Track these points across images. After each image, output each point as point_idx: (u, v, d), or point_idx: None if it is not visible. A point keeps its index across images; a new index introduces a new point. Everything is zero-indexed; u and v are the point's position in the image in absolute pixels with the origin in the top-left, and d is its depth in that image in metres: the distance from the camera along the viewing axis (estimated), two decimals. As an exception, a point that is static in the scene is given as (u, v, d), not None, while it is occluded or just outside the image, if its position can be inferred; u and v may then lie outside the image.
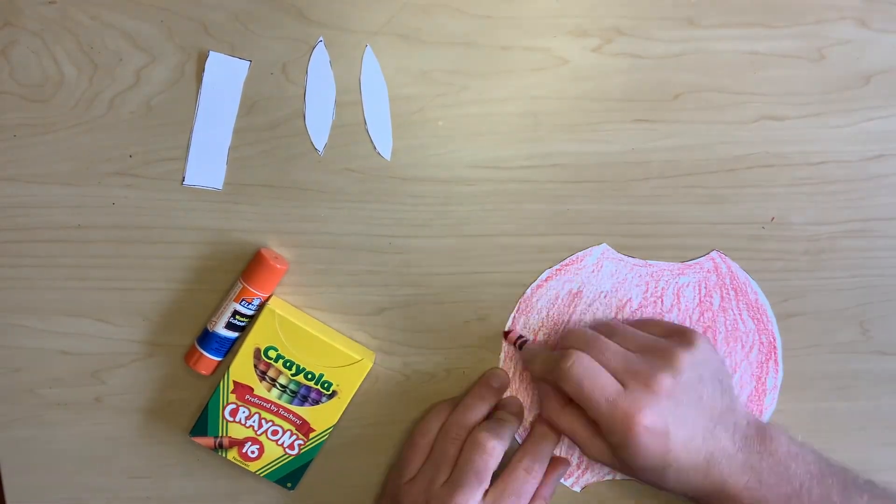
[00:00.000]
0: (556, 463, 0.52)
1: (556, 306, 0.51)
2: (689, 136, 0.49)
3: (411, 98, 0.48)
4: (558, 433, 0.50)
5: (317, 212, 0.49)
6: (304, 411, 0.50)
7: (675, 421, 0.44)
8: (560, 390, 0.47)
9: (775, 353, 0.52)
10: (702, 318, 0.51)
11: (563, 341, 0.49)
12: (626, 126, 0.49)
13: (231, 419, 0.50)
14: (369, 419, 0.52)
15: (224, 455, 0.50)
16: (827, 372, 0.53)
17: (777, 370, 0.52)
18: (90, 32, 0.46)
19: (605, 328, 0.49)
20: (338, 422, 0.51)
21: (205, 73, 0.47)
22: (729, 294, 0.51)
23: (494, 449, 0.48)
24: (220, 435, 0.50)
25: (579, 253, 0.50)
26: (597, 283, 0.51)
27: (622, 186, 0.50)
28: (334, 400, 0.50)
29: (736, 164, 0.50)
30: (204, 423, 0.50)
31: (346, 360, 0.49)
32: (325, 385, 0.49)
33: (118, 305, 0.50)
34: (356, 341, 0.51)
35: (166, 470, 0.53)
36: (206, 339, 0.49)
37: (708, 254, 0.51)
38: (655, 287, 0.51)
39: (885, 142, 0.50)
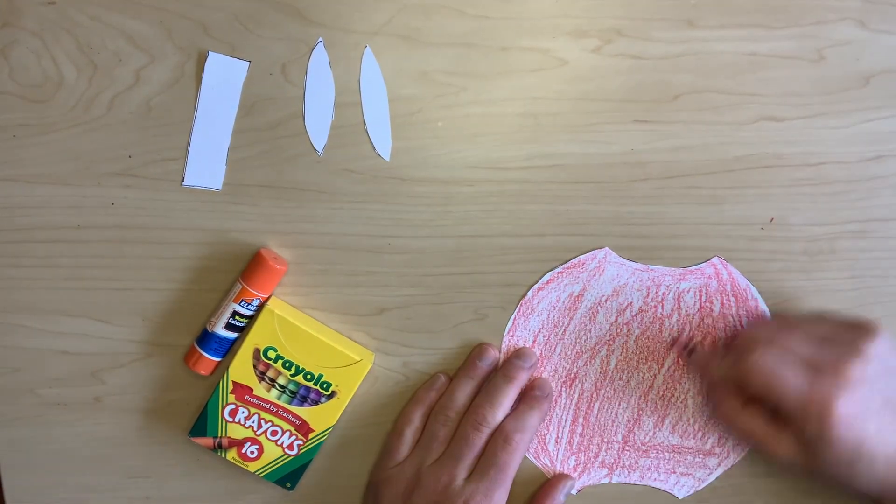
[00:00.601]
0: (559, 479, 0.52)
1: (556, 309, 0.51)
2: (688, 136, 0.49)
3: (411, 99, 0.48)
4: (543, 411, 0.50)
5: (316, 212, 0.49)
6: (304, 412, 0.50)
7: (867, 410, 0.43)
8: (737, 391, 0.47)
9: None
10: (702, 323, 0.51)
11: (742, 338, 0.48)
12: (626, 127, 0.49)
13: (230, 419, 0.50)
14: (369, 419, 0.52)
15: (223, 455, 0.50)
16: (826, 372, 0.53)
17: None
18: (90, 33, 0.46)
19: (782, 321, 0.48)
20: (337, 422, 0.51)
21: (204, 74, 0.47)
22: (729, 300, 0.51)
23: (493, 423, 0.49)
24: (220, 435, 0.50)
25: (581, 256, 0.50)
26: (598, 286, 0.51)
27: (621, 187, 0.50)
28: (333, 400, 0.50)
29: (735, 164, 0.50)
30: (203, 423, 0.50)
31: (346, 361, 0.49)
32: (325, 385, 0.49)
33: (118, 305, 0.50)
34: (355, 342, 0.51)
35: (166, 470, 0.53)
36: (206, 339, 0.49)
37: (709, 260, 0.51)
38: (656, 292, 0.51)
39: (884, 143, 0.50)
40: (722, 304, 0.51)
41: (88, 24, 0.46)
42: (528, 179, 0.49)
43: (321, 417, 0.50)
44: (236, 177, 0.49)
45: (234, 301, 0.48)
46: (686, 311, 0.51)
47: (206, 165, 0.48)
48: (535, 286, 0.51)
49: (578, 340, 0.52)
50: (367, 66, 0.47)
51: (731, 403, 0.48)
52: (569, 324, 0.51)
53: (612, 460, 0.53)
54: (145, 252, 0.49)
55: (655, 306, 0.51)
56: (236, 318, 0.49)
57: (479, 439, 0.49)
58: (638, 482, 0.53)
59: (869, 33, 0.48)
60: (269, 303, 0.49)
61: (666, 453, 0.53)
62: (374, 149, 0.49)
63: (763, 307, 0.51)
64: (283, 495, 0.53)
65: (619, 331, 0.51)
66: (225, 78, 0.47)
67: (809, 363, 0.44)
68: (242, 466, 0.51)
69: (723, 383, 0.48)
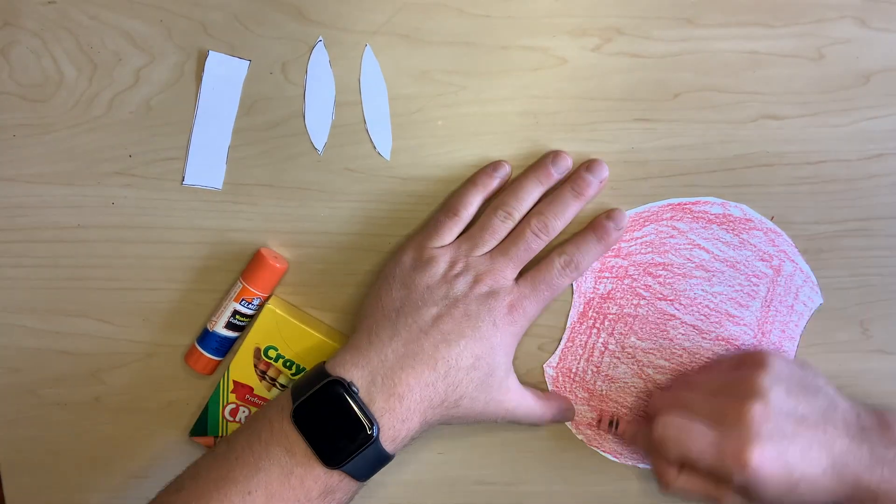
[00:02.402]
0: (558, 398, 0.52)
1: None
2: (688, 135, 0.49)
3: (411, 98, 0.48)
4: (608, 245, 0.49)
5: (316, 211, 0.49)
6: (304, 411, 0.50)
7: (783, 441, 0.44)
8: (669, 463, 0.48)
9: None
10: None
11: (650, 409, 0.50)
12: (626, 125, 0.49)
13: (231, 419, 0.50)
14: (369, 419, 0.52)
15: (224, 455, 0.50)
16: (827, 371, 0.53)
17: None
18: (90, 32, 0.46)
19: (682, 381, 0.50)
20: (338, 421, 0.51)
21: (204, 73, 0.47)
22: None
23: (553, 232, 0.48)
24: (221, 435, 0.50)
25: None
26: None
27: (622, 186, 0.50)
28: (334, 400, 0.50)
29: (735, 163, 0.49)
30: (204, 422, 0.50)
31: (346, 360, 0.49)
32: (325, 385, 0.49)
33: (118, 305, 0.50)
34: (356, 341, 0.51)
35: (166, 470, 0.52)
36: (206, 338, 0.49)
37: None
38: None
39: (884, 141, 0.49)
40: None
41: (88, 23, 0.46)
42: (528, 178, 0.49)
43: (322, 417, 0.50)
44: (236, 176, 0.49)
45: (235, 300, 0.48)
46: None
47: (207, 165, 0.48)
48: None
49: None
50: (367, 65, 0.47)
51: (668, 471, 0.48)
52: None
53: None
54: (145, 251, 0.49)
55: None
56: (237, 317, 0.49)
57: (538, 245, 0.48)
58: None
59: (869, 32, 0.48)
60: (269, 302, 0.49)
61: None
62: (374, 148, 0.49)
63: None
64: (283, 495, 0.53)
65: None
66: (225, 77, 0.47)
67: (713, 417, 0.45)
68: (243, 466, 0.51)
69: (654, 454, 0.49)
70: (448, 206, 0.49)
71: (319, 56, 0.47)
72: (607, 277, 0.50)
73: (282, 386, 0.49)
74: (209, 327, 0.49)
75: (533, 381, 0.52)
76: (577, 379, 0.52)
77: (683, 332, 0.51)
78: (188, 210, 0.49)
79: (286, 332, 0.48)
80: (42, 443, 0.52)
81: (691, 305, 0.51)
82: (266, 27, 0.47)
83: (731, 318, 0.51)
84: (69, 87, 0.47)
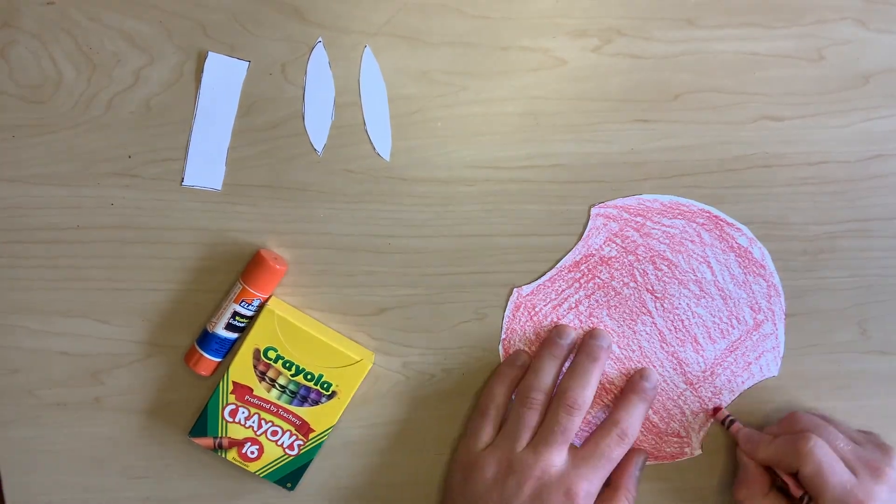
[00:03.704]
0: (632, 453, 0.52)
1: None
2: (688, 136, 0.49)
3: (410, 98, 0.48)
4: (650, 401, 0.50)
5: (316, 212, 0.49)
6: (304, 412, 0.50)
7: None
8: (764, 479, 0.49)
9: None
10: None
11: (792, 425, 0.50)
12: (626, 126, 0.49)
13: (230, 420, 0.50)
14: (369, 419, 0.52)
15: (224, 455, 0.50)
16: (826, 372, 0.53)
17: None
18: (89, 33, 0.46)
19: (817, 418, 0.51)
20: (337, 422, 0.51)
21: (204, 74, 0.47)
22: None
23: (584, 405, 0.48)
24: (220, 435, 0.50)
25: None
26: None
27: (621, 187, 0.50)
28: (334, 400, 0.50)
29: (735, 164, 0.50)
30: (203, 423, 0.50)
31: (346, 361, 0.49)
32: (325, 385, 0.49)
33: (117, 306, 0.50)
34: (355, 342, 0.51)
35: (166, 471, 0.53)
36: (206, 339, 0.49)
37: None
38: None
39: (884, 142, 0.50)
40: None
41: (87, 24, 0.46)
42: (527, 179, 0.49)
43: (321, 417, 0.50)
44: (236, 177, 0.49)
45: (235, 301, 0.48)
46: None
47: (206, 165, 0.48)
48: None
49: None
50: (366, 65, 0.47)
51: (755, 487, 0.49)
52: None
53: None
54: (145, 252, 0.49)
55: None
56: (236, 318, 0.49)
57: (573, 424, 0.48)
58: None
59: (869, 33, 0.48)
60: (269, 303, 0.49)
61: (727, 359, 0.52)
62: (373, 149, 0.49)
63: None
64: (283, 495, 0.53)
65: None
66: (224, 78, 0.47)
67: (855, 461, 0.47)
68: (243, 467, 0.51)
69: (758, 466, 0.50)
70: (479, 407, 0.51)
71: (319, 57, 0.47)
72: (617, 244, 0.50)
73: (281, 387, 0.49)
74: (209, 328, 0.49)
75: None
76: (534, 319, 0.51)
77: (649, 332, 0.51)
78: (187, 211, 0.49)
79: (286, 333, 0.48)
80: (42, 443, 0.52)
81: (670, 312, 0.51)
82: (265, 28, 0.47)
83: (694, 344, 0.52)
84: (68, 87, 0.47)
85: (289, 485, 0.51)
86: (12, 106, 0.47)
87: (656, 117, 0.49)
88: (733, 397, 0.52)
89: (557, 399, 0.49)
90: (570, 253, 0.51)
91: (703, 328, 0.52)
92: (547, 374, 0.50)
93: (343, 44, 0.47)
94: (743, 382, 0.52)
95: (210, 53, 0.47)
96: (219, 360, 0.50)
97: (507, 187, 0.49)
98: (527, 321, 0.51)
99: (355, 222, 0.50)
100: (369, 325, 0.51)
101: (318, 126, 0.48)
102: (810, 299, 0.52)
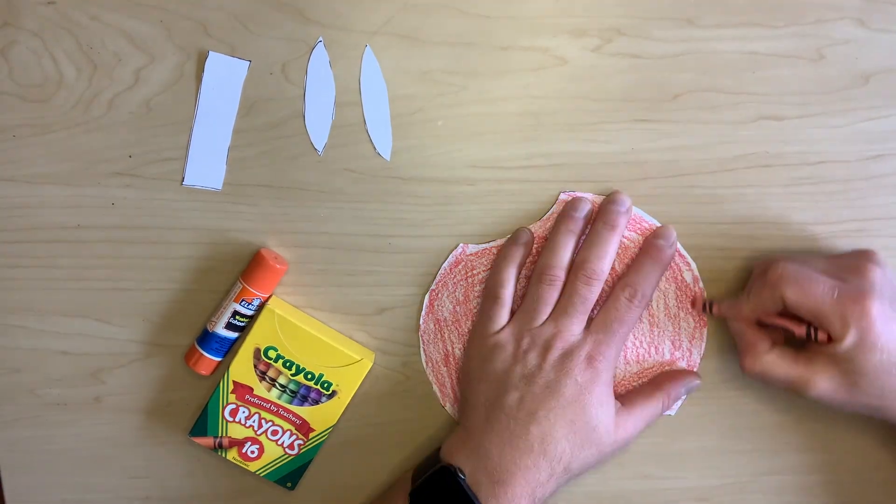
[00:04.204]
0: (687, 373, 0.51)
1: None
2: (688, 135, 0.49)
3: (411, 98, 0.48)
4: (665, 263, 0.49)
5: (316, 212, 0.49)
6: (304, 411, 0.50)
7: (891, 315, 0.43)
8: (762, 335, 0.47)
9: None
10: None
11: (760, 267, 0.48)
12: (626, 126, 0.49)
13: (231, 419, 0.50)
14: (369, 419, 0.52)
15: (224, 455, 0.50)
16: (826, 371, 0.53)
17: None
18: (89, 33, 0.46)
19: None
20: (338, 422, 0.51)
21: (204, 74, 0.47)
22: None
23: (603, 274, 0.47)
24: (220, 435, 0.50)
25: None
26: None
27: (621, 186, 0.50)
28: (334, 400, 0.50)
29: (735, 163, 0.50)
30: (204, 423, 0.50)
31: (346, 360, 0.49)
32: (325, 385, 0.49)
33: (118, 305, 0.50)
34: (356, 341, 0.51)
35: (166, 470, 0.53)
36: (206, 339, 0.49)
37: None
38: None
39: (884, 142, 0.50)
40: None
41: (88, 23, 0.46)
42: (528, 178, 0.49)
43: (322, 417, 0.50)
44: (236, 176, 0.49)
45: (235, 301, 0.48)
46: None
47: (207, 165, 0.48)
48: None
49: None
50: (367, 65, 0.47)
51: (759, 348, 0.47)
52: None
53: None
54: (145, 252, 0.49)
55: None
56: (237, 317, 0.49)
57: (592, 294, 0.47)
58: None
59: (869, 32, 0.48)
60: (269, 302, 0.49)
61: (633, 382, 0.52)
62: (374, 148, 0.49)
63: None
64: (284, 495, 0.53)
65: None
66: (225, 78, 0.47)
67: (832, 272, 0.45)
68: (243, 466, 0.51)
69: (752, 327, 0.48)
70: (487, 291, 0.49)
71: (319, 56, 0.47)
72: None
73: (281, 386, 0.49)
74: (209, 328, 0.49)
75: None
76: (468, 280, 0.50)
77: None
78: (188, 210, 0.49)
79: (286, 332, 0.49)
80: (42, 443, 0.52)
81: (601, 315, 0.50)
82: (266, 28, 0.47)
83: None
84: (69, 87, 0.47)
85: (289, 484, 0.51)
86: (13, 105, 0.47)
87: (656, 117, 0.49)
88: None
89: (575, 271, 0.48)
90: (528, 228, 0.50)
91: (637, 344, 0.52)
92: (564, 250, 0.48)
93: (344, 43, 0.47)
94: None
95: (211, 53, 0.47)
96: (219, 359, 0.50)
97: (507, 187, 0.50)
98: (461, 280, 0.51)
99: (356, 222, 0.50)
100: (370, 324, 0.51)
101: (319, 126, 0.48)
102: (810, 299, 0.52)
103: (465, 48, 0.47)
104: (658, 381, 0.51)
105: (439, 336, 0.51)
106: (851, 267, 0.45)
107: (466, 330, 0.51)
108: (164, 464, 0.53)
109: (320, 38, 0.47)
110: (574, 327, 0.47)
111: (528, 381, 0.46)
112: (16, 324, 0.50)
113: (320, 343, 0.49)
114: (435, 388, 0.52)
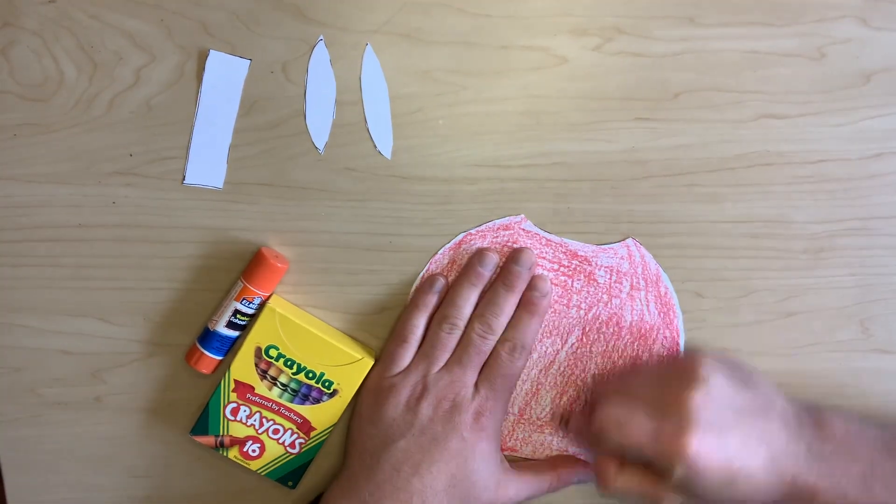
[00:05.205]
0: (581, 465, 0.52)
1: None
2: (689, 134, 0.49)
3: (412, 97, 0.48)
4: (541, 313, 0.50)
5: (317, 211, 0.49)
6: (305, 410, 0.50)
7: (722, 431, 0.43)
8: (611, 458, 0.47)
9: (677, 349, 0.52)
10: (610, 303, 0.51)
11: (591, 399, 0.50)
12: (626, 125, 0.49)
13: (232, 418, 0.50)
14: (370, 418, 0.52)
15: (225, 454, 0.50)
16: (827, 370, 0.53)
17: None
18: (90, 32, 0.46)
19: (629, 370, 0.51)
20: (339, 420, 0.51)
21: (205, 73, 0.47)
22: (639, 283, 0.51)
23: (498, 330, 0.49)
24: (221, 434, 0.50)
25: (497, 221, 0.50)
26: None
27: (622, 185, 0.50)
28: (335, 399, 0.50)
29: (736, 162, 0.50)
30: (205, 422, 0.50)
31: (347, 359, 0.49)
32: (326, 384, 0.49)
33: (119, 305, 0.50)
34: (357, 340, 0.51)
35: (167, 469, 0.53)
36: (207, 338, 0.49)
37: (623, 240, 0.50)
38: (568, 266, 0.51)
39: (885, 140, 0.50)
40: (632, 286, 0.51)
41: (89, 23, 0.46)
42: (528, 178, 0.49)
43: (323, 416, 0.50)
44: (237, 175, 0.49)
45: (236, 299, 0.48)
46: (595, 289, 0.51)
47: (207, 164, 0.48)
48: (447, 245, 0.50)
49: None
50: (368, 64, 0.47)
51: (608, 468, 0.47)
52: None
53: (506, 432, 0.52)
54: (146, 251, 0.49)
55: (565, 281, 0.51)
56: (238, 316, 0.49)
57: (486, 347, 0.49)
58: (529, 456, 0.53)
59: (870, 31, 0.48)
60: (270, 301, 0.49)
61: (560, 432, 0.52)
62: (375, 147, 0.49)
63: (673, 296, 0.51)
64: (285, 494, 0.53)
65: None
66: (226, 77, 0.47)
67: (654, 406, 0.45)
68: (244, 465, 0.51)
69: (594, 448, 0.49)
70: (396, 333, 0.50)
71: (320, 55, 0.47)
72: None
73: (283, 385, 0.49)
74: (210, 326, 0.49)
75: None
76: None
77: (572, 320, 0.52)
78: (189, 209, 0.49)
79: (287, 331, 0.49)
80: (42, 442, 0.52)
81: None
82: (267, 27, 0.47)
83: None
84: (69, 86, 0.47)
85: (290, 483, 0.51)
86: (14, 105, 0.47)
87: (657, 116, 0.49)
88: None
89: (472, 323, 0.49)
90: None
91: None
92: (466, 302, 0.49)
93: (344, 42, 0.47)
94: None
95: (211, 52, 0.47)
96: (220, 358, 0.50)
97: (507, 186, 0.50)
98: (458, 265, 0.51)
99: (356, 220, 0.50)
100: (371, 323, 0.51)
101: (320, 124, 0.48)
102: (811, 298, 0.52)
103: (465, 47, 0.47)
104: (555, 461, 0.52)
105: None
106: (671, 399, 0.44)
107: None
108: (166, 463, 0.53)
109: (321, 37, 0.47)
110: (467, 378, 0.49)
111: (418, 432, 0.48)
112: (16, 323, 0.50)
113: (321, 342, 0.49)
114: None
